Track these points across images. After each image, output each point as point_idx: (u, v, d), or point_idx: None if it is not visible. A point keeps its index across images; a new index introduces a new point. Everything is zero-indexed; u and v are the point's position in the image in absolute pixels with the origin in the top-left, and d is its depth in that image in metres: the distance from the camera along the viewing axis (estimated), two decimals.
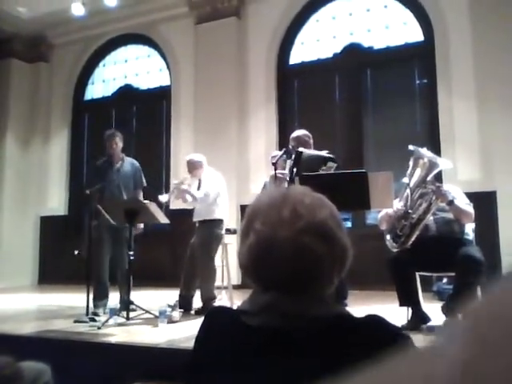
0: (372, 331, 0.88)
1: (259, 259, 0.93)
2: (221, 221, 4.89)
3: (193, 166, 4.92)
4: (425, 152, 3.62)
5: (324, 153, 4.09)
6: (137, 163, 5.17)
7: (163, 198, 4.80)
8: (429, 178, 3.55)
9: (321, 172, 3.91)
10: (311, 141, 4.51)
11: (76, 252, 4.45)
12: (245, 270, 0.97)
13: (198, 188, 4.92)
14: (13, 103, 9.36)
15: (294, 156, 4.07)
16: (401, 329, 0.94)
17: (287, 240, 0.90)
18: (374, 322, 0.91)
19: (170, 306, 4.33)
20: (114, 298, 4.88)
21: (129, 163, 5.13)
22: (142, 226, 5.03)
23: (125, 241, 4.80)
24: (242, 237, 0.98)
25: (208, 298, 4.73)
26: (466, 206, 3.59)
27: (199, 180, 4.98)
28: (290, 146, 4.34)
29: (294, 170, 4.00)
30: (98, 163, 5.16)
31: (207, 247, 4.76)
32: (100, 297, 4.75)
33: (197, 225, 4.96)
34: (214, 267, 4.85)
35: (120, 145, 5.07)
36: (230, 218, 6.95)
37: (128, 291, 4.50)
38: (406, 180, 3.64)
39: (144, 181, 5.20)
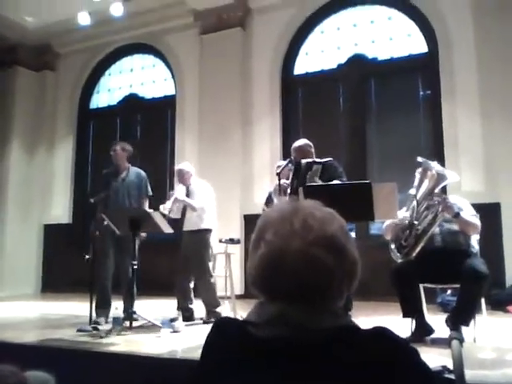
0: (380, 343, 0.88)
1: (269, 269, 0.93)
2: (210, 230, 5.01)
3: (183, 175, 5.10)
4: (434, 164, 3.61)
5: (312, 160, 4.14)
6: (143, 173, 5.22)
7: (165, 207, 4.83)
8: (436, 191, 3.54)
9: (320, 182, 3.93)
10: (313, 150, 4.52)
11: (87, 257, 4.49)
12: (253, 281, 0.98)
13: (187, 196, 5.04)
14: (18, 111, 9.40)
15: (293, 167, 4.09)
16: (408, 341, 0.93)
17: (298, 252, 0.91)
18: (382, 334, 0.91)
19: (172, 319, 4.32)
20: (118, 308, 4.88)
21: (134, 173, 5.18)
22: (144, 233, 5.05)
23: (129, 250, 4.80)
24: (253, 248, 0.98)
25: (212, 306, 4.81)
26: (472, 217, 3.58)
27: (187, 188, 5.10)
28: (292, 157, 4.36)
29: (295, 181, 4.02)
30: (104, 172, 5.23)
31: (201, 257, 4.88)
32: (102, 305, 4.74)
33: (185, 234, 5.02)
34: (211, 274, 4.94)
35: (123, 154, 5.12)
36: (234, 228, 7.00)
37: (131, 301, 4.50)
38: (412, 191, 3.63)
39: (150, 190, 5.24)
